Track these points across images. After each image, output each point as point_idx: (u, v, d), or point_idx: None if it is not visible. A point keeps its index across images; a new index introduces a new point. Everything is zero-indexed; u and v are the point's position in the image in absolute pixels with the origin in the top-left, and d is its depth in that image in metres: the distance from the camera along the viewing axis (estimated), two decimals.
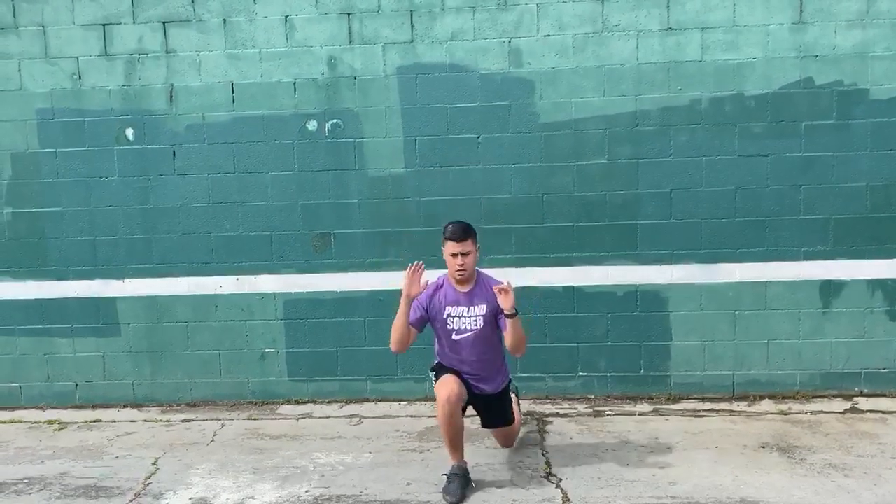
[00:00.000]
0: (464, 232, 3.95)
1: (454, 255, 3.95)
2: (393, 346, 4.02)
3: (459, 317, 4.03)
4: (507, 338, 3.95)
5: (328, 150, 5.16)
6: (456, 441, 3.92)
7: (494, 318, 4.02)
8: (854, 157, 4.95)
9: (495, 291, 3.90)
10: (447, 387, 3.89)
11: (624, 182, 5.05)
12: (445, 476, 3.91)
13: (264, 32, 5.09)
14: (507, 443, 4.42)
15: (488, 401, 4.18)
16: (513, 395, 4.44)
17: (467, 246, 3.95)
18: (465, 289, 4.05)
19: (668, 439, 4.51)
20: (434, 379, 4.09)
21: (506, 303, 3.86)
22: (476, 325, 4.02)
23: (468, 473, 3.95)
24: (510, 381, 4.33)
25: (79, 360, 5.41)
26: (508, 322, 3.89)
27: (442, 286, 4.08)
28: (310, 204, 5.20)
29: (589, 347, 5.19)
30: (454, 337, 4.04)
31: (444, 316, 4.04)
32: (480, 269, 4.14)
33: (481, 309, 4.01)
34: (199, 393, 5.40)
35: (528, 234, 5.11)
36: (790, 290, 5.07)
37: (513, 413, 4.33)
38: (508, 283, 3.90)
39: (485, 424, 4.31)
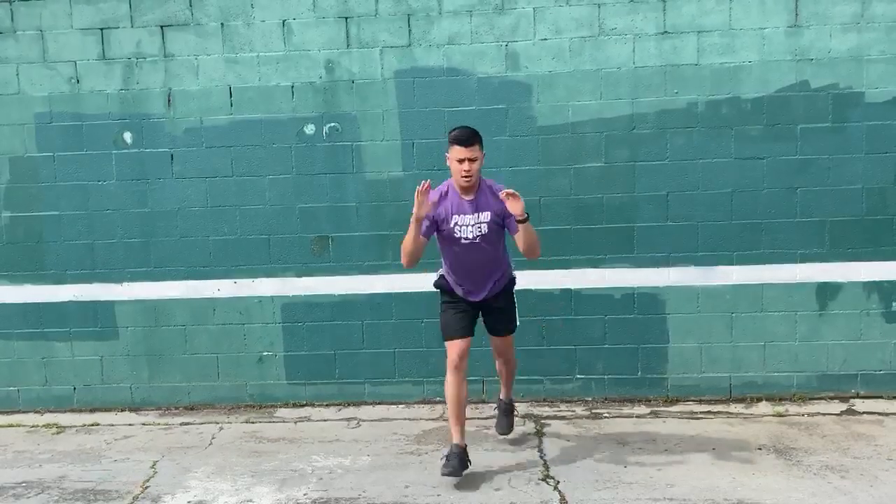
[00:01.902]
0: (471, 136, 3.91)
1: (461, 161, 3.90)
2: (405, 260, 4.04)
3: (466, 225, 4.01)
4: (520, 242, 3.96)
5: (326, 154, 5.17)
6: (459, 412, 4.09)
7: (498, 223, 4.03)
8: (850, 160, 4.97)
9: (503, 197, 3.87)
10: (455, 350, 4.09)
11: (621, 185, 5.07)
12: (444, 457, 4.03)
13: (262, 36, 5.11)
14: (505, 353, 4.38)
15: (493, 302, 4.19)
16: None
17: (474, 151, 3.91)
18: (470, 196, 4.02)
19: (665, 441, 4.52)
20: (440, 308, 4.21)
21: (515, 208, 3.85)
22: (482, 230, 4.01)
23: (466, 455, 4.06)
24: (514, 280, 4.31)
25: (77, 363, 5.41)
26: (520, 226, 3.90)
27: (447, 193, 4.05)
28: (308, 207, 5.21)
29: (586, 350, 5.21)
30: (462, 243, 4.03)
31: (452, 224, 4.02)
32: (482, 176, 4.10)
33: (486, 215, 4.00)
34: (197, 396, 5.41)
35: None
36: (787, 292, 5.09)
37: (515, 318, 4.30)
38: (513, 190, 3.88)
39: (490, 331, 4.30)
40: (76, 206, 5.27)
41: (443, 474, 3.97)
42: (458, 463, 3.99)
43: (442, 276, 4.25)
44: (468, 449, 4.12)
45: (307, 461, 4.42)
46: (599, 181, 5.07)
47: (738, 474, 4.04)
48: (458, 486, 3.98)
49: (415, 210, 3.88)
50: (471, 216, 4.01)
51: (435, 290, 4.30)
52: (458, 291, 4.17)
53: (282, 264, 5.26)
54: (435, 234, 4.09)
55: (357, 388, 5.34)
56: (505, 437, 4.59)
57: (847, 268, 5.04)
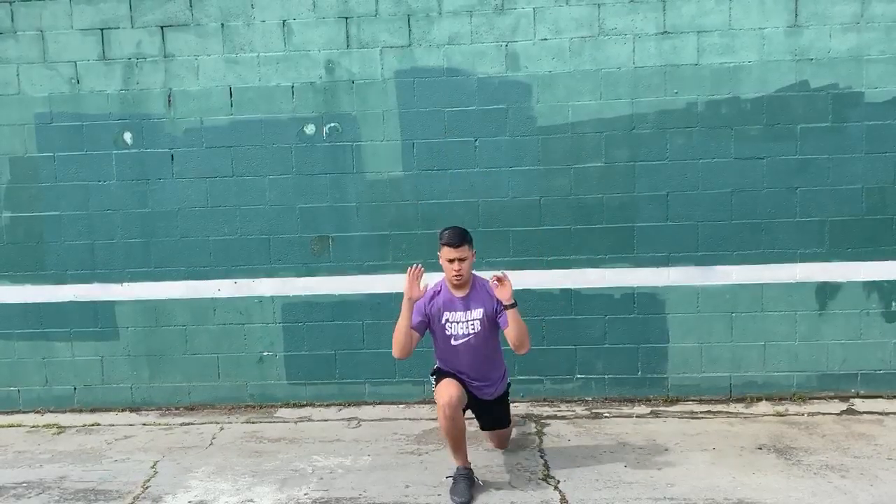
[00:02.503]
0: (460, 237, 3.97)
1: (451, 261, 3.98)
2: (396, 352, 3.97)
3: (457, 322, 4.05)
4: (510, 333, 3.92)
5: (326, 154, 5.18)
6: (458, 444, 3.92)
7: (491, 320, 4.04)
8: (849, 160, 4.98)
9: (492, 283, 3.93)
10: (447, 391, 3.89)
11: (621, 185, 5.08)
12: (451, 478, 3.93)
13: (262, 37, 5.11)
14: (501, 444, 4.45)
15: (488, 405, 4.20)
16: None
17: (464, 252, 3.97)
18: (462, 293, 4.06)
19: (665, 441, 4.52)
20: (434, 383, 4.10)
21: (504, 293, 3.89)
22: (474, 328, 4.03)
23: (473, 474, 3.97)
24: (509, 384, 4.34)
25: (77, 363, 5.41)
26: (508, 314, 3.90)
27: (440, 291, 4.10)
28: (308, 207, 5.21)
29: (586, 350, 5.21)
30: (453, 342, 4.06)
31: (443, 321, 4.05)
32: (475, 273, 4.16)
33: (478, 312, 4.04)
34: (197, 396, 5.41)
35: (525, 237, 5.13)
36: (786, 291, 5.10)
37: (510, 416, 4.37)
38: (504, 273, 3.95)
39: (483, 427, 4.34)
40: (76, 206, 5.28)
41: (453, 500, 3.81)
42: (466, 488, 3.85)
43: (438, 368, 4.22)
44: (468, 453, 4.06)
45: (308, 461, 4.43)
46: (599, 181, 5.08)
47: (738, 474, 4.04)
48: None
49: (406, 292, 3.90)
50: (462, 313, 4.04)
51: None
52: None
53: (282, 264, 5.27)
54: (430, 333, 4.11)
55: (357, 388, 5.35)
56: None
57: (847, 267, 5.05)
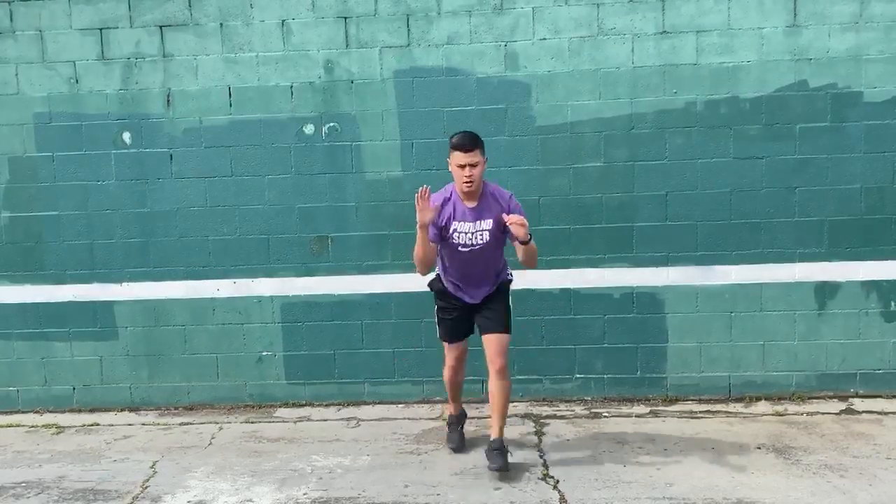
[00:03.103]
0: (472, 141, 3.88)
1: (461, 167, 3.88)
2: (421, 269, 4.04)
3: (465, 232, 3.99)
4: (520, 256, 3.97)
5: (325, 154, 5.18)
6: (455, 395, 4.47)
7: (500, 230, 4.00)
8: (848, 160, 4.98)
9: (508, 224, 3.84)
10: (452, 354, 4.31)
11: (620, 185, 5.08)
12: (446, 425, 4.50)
13: (261, 36, 5.11)
14: (498, 351, 4.10)
15: (486, 301, 4.16)
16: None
17: (475, 156, 3.88)
18: (473, 203, 3.99)
19: (664, 441, 4.52)
20: (436, 318, 4.30)
21: (519, 232, 3.83)
22: (483, 238, 3.99)
23: (465, 416, 4.55)
24: (508, 280, 4.25)
25: (76, 363, 5.41)
26: (521, 248, 3.91)
27: (449, 198, 4.02)
28: (307, 207, 5.21)
29: (585, 349, 5.21)
30: (460, 250, 4.02)
31: (451, 231, 4.00)
32: (486, 180, 4.08)
33: (487, 223, 3.99)
34: (196, 396, 5.41)
35: None
36: (785, 291, 5.10)
37: (509, 321, 4.19)
38: (515, 216, 3.84)
39: (484, 329, 4.18)
40: (75, 206, 5.27)
41: (448, 445, 4.44)
42: (457, 437, 4.45)
43: (438, 278, 4.25)
44: (468, 453, 4.24)
45: (307, 461, 4.43)
46: (598, 181, 5.08)
47: (737, 473, 4.04)
48: (457, 485, 3.99)
49: (418, 218, 3.85)
50: (471, 223, 4.00)
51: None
52: (451, 290, 4.18)
53: (281, 264, 5.27)
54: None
55: (357, 388, 5.35)
56: (501, 473, 4.07)
57: (846, 267, 5.05)
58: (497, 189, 4.09)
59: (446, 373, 4.40)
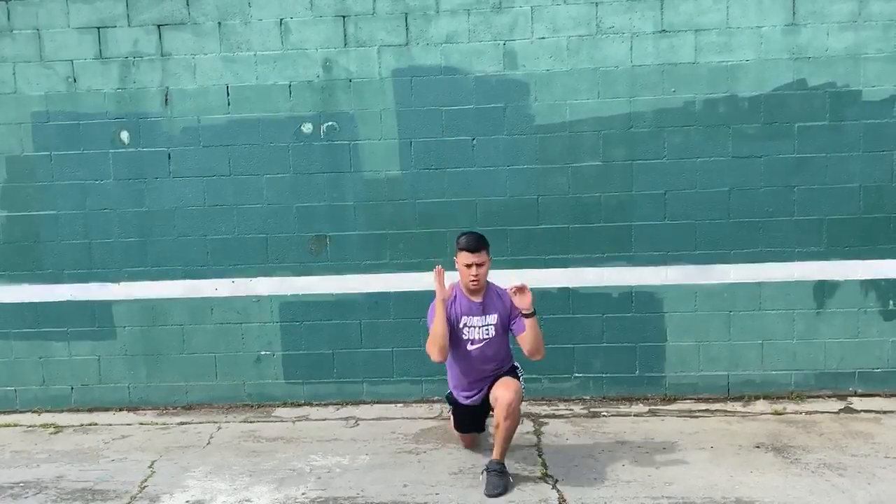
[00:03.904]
0: (478, 242, 4.01)
1: (468, 266, 4.00)
2: (436, 355, 4.02)
3: (474, 327, 4.08)
4: (526, 340, 3.99)
5: (323, 153, 5.17)
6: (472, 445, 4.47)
7: (504, 326, 4.10)
8: (847, 159, 4.98)
9: (511, 292, 3.96)
10: (464, 442, 4.45)
11: (618, 184, 5.07)
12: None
13: (259, 35, 5.10)
14: (511, 399, 3.94)
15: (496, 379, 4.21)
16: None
17: (481, 257, 4.01)
18: (478, 299, 4.10)
19: (663, 440, 4.52)
20: (450, 413, 4.44)
21: (523, 302, 3.94)
22: (489, 333, 4.08)
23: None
24: (517, 368, 4.28)
25: (74, 363, 5.40)
26: (527, 322, 3.96)
27: (456, 296, 4.13)
28: (305, 206, 5.21)
29: (584, 349, 5.21)
30: (469, 347, 4.10)
31: (461, 326, 4.09)
32: (489, 281, 4.17)
33: (493, 318, 4.09)
34: (195, 396, 5.40)
35: (523, 236, 5.13)
36: (784, 290, 5.10)
37: (517, 376, 4.16)
38: (524, 283, 3.97)
39: (495, 393, 4.08)
40: (73, 205, 5.26)
41: (455, 428, 4.43)
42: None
43: (451, 393, 4.34)
44: (467, 453, 4.25)
45: (305, 460, 4.42)
46: (597, 180, 5.08)
47: (736, 472, 4.04)
48: (456, 485, 3.99)
49: (438, 292, 3.98)
50: (479, 318, 4.08)
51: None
52: (468, 403, 4.23)
53: (279, 263, 5.26)
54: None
55: (355, 388, 5.34)
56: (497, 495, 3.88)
57: (844, 266, 5.05)
58: (498, 287, 4.18)
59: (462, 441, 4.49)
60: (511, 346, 4.24)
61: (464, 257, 4.01)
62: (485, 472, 3.95)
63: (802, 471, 4.04)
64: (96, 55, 5.16)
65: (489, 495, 3.83)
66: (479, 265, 3.99)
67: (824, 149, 4.98)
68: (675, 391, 5.21)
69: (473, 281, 4.01)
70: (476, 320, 4.08)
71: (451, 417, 4.49)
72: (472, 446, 4.45)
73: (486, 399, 4.18)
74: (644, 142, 5.04)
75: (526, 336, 3.99)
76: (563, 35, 5.00)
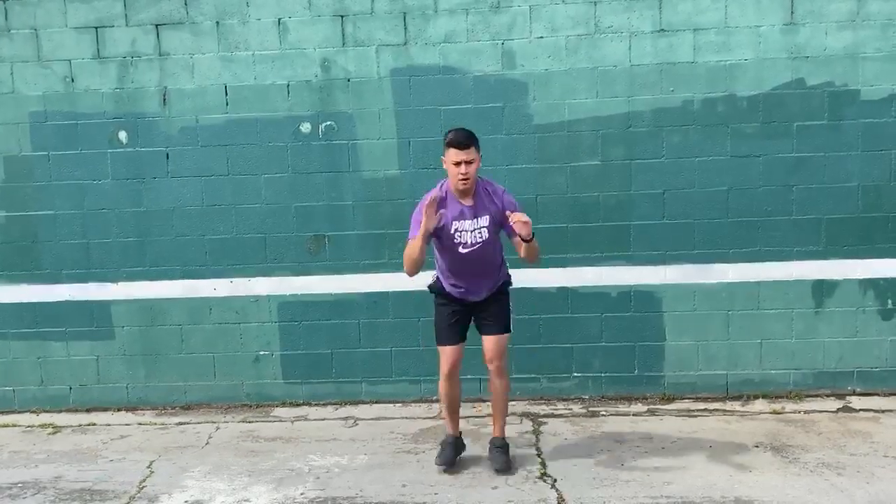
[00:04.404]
0: (468, 137, 3.84)
1: (457, 164, 3.83)
2: (410, 270, 3.95)
3: (466, 230, 3.95)
4: (522, 252, 3.91)
5: (322, 153, 5.17)
6: (453, 410, 4.22)
7: (497, 225, 3.99)
8: (845, 158, 4.98)
9: (512, 223, 3.78)
10: (449, 360, 4.12)
11: (617, 183, 5.07)
12: (440, 444, 4.22)
13: (257, 35, 5.09)
14: (497, 352, 4.12)
15: (486, 303, 4.12)
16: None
17: (471, 153, 3.83)
18: (469, 201, 3.95)
19: (662, 439, 4.52)
20: (434, 296, 4.18)
21: (524, 231, 3.78)
22: (482, 236, 3.95)
23: (460, 439, 4.26)
24: (509, 280, 4.23)
25: (73, 363, 5.39)
26: (524, 244, 3.85)
27: (445, 197, 3.96)
28: (304, 206, 5.20)
29: (583, 348, 5.21)
30: (461, 251, 3.97)
31: (452, 231, 3.95)
32: (480, 177, 4.03)
33: (485, 220, 3.95)
34: (193, 396, 5.40)
35: None
36: (783, 289, 5.10)
37: (509, 320, 4.19)
38: (520, 213, 3.80)
39: (483, 330, 4.17)
40: (71, 205, 5.25)
41: (436, 463, 4.15)
42: (450, 452, 4.17)
43: (437, 279, 4.19)
44: (465, 452, 4.21)
45: (304, 460, 4.42)
46: (596, 179, 5.08)
47: (735, 472, 4.04)
48: (454, 485, 3.99)
49: (424, 223, 3.80)
50: (470, 221, 3.95)
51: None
52: (454, 293, 4.12)
53: (278, 263, 5.25)
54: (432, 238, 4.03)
55: (354, 387, 5.34)
56: (504, 474, 4.11)
57: (843, 265, 5.06)
58: (489, 184, 4.06)
59: (442, 385, 4.17)
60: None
61: (452, 154, 3.83)
62: (490, 448, 4.18)
63: (801, 470, 4.05)
64: (94, 55, 5.15)
65: (496, 471, 4.10)
66: (468, 163, 3.82)
67: (823, 148, 4.98)
68: (673, 391, 5.21)
69: (463, 180, 3.84)
70: (467, 224, 3.94)
71: (435, 322, 4.18)
72: (455, 378, 4.13)
73: (472, 306, 4.10)
74: (643, 141, 5.03)
75: (522, 250, 3.91)
76: (562, 34, 5.00)
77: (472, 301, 4.12)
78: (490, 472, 4.12)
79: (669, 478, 3.99)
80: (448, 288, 4.13)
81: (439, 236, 3.99)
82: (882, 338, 5.11)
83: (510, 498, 3.84)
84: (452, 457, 4.17)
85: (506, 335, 4.16)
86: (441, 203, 3.95)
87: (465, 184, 3.88)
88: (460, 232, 3.95)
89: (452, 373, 4.13)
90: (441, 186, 4.01)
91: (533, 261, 4.03)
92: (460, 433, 4.28)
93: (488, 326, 4.15)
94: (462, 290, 4.10)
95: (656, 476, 4.02)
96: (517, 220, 3.77)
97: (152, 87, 5.16)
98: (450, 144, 3.85)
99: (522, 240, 3.85)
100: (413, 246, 3.89)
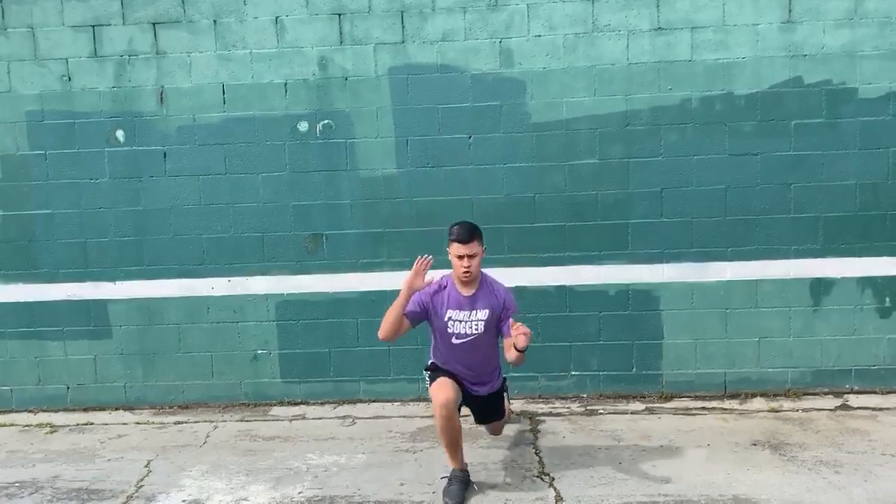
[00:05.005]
0: (470, 233, 3.89)
1: (460, 257, 3.88)
2: (383, 333, 3.91)
3: (461, 321, 3.97)
4: (510, 357, 3.85)
5: (319, 151, 5.16)
6: (454, 444, 3.88)
7: (495, 323, 3.98)
8: (843, 156, 4.98)
9: (514, 334, 3.69)
10: (443, 391, 3.84)
11: (615, 181, 5.07)
12: (446, 478, 3.90)
13: (255, 33, 5.08)
14: (495, 432, 4.46)
15: (483, 401, 4.17)
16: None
17: (473, 248, 3.88)
18: (469, 292, 3.98)
19: (660, 438, 4.52)
20: (428, 381, 4.06)
21: (521, 342, 3.70)
22: (477, 329, 3.97)
23: (469, 476, 3.94)
24: (504, 380, 4.30)
25: (70, 362, 5.38)
26: (516, 353, 3.78)
27: (446, 287, 4.01)
28: (301, 205, 5.20)
29: (581, 347, 5.21)
30: (454, 341, 3.99)
31: (446, 319, 3.97)
32: (484, 271, 4.08)
33: (483, 314, 3.96)
34: (191, 395, 5.39)
35: (520, 234, 5.12)
36: (781, 288, 5.10)
37: (504, 408, 4.30)
38: (524, 327, 3.72)
39: (478, 420, 4.30)
40: (69, 204, 5.25)
41: (444, 500, 3.80)
42: (458, 489, 3.83)
43: (433, 363, 4.15)
44: (463, 450, 4.06)
45: (302, 459, 4.41)
46: (594, 178, 5.07)
47: (733, 470, 4.04)
48: None
49: (408, 279, 3.83)
50: (467, 312, 3.96)
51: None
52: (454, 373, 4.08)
53: (276, 262, 5.25)
54: (427, 322, 4.02)
55: (352, 386, 5.34)
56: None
57: (841, 263, 5.06)
58: (494, 282, 4.08)
59: (439, 416, 3.78)
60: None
61: (455, 248, 3.89)
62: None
63: (799, 468, 4.05)
64: (91, 53, 5.14)
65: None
66: (470, 256, 3.87)
67: (820, 146, 4.98)
68: (671, 389, 5.21)
69: (465, 273, 3.88)
70: (462, 314, 3.95)
71: (429, 381, 4.06)
72: (453, 410, 3.84)
73: (466, 393, 4.07)
74: (640, 139, 5.03)
75: (510, 357, 3.83)
76: (560, 33, 4.99)
77: (469, 393, 4.09)
78: (488, 472, 4.12)
79: (667, 476, 3.99)
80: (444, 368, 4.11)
81: (433, 322, 4.01)
82: (880, 336, 5.11)
83: (508, 496, 3.84)
84: (461, 494, 3.82)
85: (503, 425, 4.43)
86: (441, 289, 3.99)
87: (467, 276, 3.91)
88: (454, 322, 3.97)
89: (450, 406, 3.80)
90: (443, 278, 4.04)
91: (516, 366, 3.99)
92: (467, 465, 3.98)
93: (486, 417, 4.30)
94: (457, 377, 4.05)
95: (654, 474, 4.02)
96: (520, 332, 3.70)
97: (149, 86, 5.15)
98: (453, 239, 3.90)
99: (517, 349, 3.76)
100: (394, 304, 3.88)
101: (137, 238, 5.25)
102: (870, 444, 4.34)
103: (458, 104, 5.07)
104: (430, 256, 3.89)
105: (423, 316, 3.99)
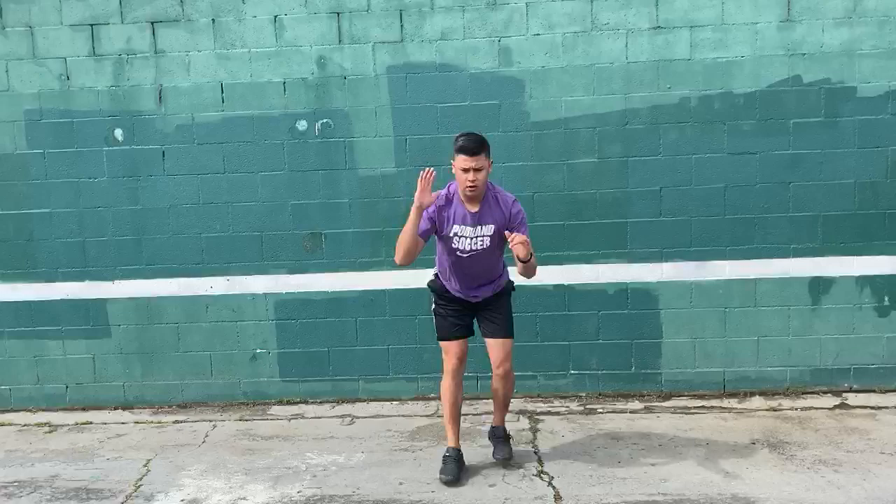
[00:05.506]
0: (477, 144, 3.72)
1: (465, 170, 3.72)
2: (400, 258, 3.82)
3: (466, 237, 3.85)
4: (518, 270, 3.79)
5: (318, 150, 5.16)
6: (454, 414, 4.07)
7: (501, 236, 3.87)
8: (842, 155, 4.98)
9: (511, 245, 3.67)
10: (451, 356, 4.01)
11: (614, 180, 5.07)
12: (443, 458, 4.07)
13: (253, 32, 5.08)
14: (503, 356, 4.06)
15: (487, 303, 4.04)
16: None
17: (480, 160, 3.71)
18: (474, 207, 3.85)
19: (659, 436, 4.52)
20: (432, 303, 4.09)
21: (521, 252, 3.67)
22: (482, 244, 3.86)
23: (462, 457, 4.09)
24: (511, 284, 4.16)
25: (69, 361, 5.38)
26: (521, 264, 3.74)
27: (451, 200, 3.87)
28: (300, 204, 5.19)
29: (580, 345, 5.21)
30: (458, 254, 3.89)
31: (451, 234, 3.86)
32: (491, 183, 3.97)
33: (489, 229, 3.85)
34: (190, 394, 5.39)
35: None
36: (780, 286, 5.10)
37: (511, 324, 4.13)
38: (519, 235, 3.69)
39: (485, 333, 4.12)
40: (67, 203, 5.24)
41: (442, 481, 3.96)
42: (455, 466, 4.02)
43: (437, 277, 4.12)
44: (463, 450, 4.14)
45: (301, 458, 4.41)
46: (592, 176, 5.07)
47: (731, 469, 4.04)
48: (452, 483, 3.98)
49: (416, 198, 3.70)
50: (471, 228, 3.86)
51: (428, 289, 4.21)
52: (453, 293, 4.05)
53: (274, 261, 5.25)
54: (434, 235, 3.96)
55: (351, 385, 5.34)
56: (506, 461, 4.18)
57: (840, 262, 5.06)
58: (500, 192, 3.95)
59: (446, 383, 4.02)
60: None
61: (461, 160, 3.71)
62: (492, 439, 4.20)
63: (798, 467, 4.05)
64: (89, 52, 5.14)
65: (498, 459, 4.15)
66: (476, 170, 3.70)
67: (819, 145, 4.98)
68: (670, 388, 5.21)
69: (471, 187, 3.73)
70: (468, 230, 3.83)
71: (435, 320, 4.09)
72: (459, 379, 4.02)
73: (473, 307, 4.02)
74: (639, 138, 5.03)
75: (518, 268, 3.78)
76: (558, 31, 4.99)
77: (472, 301, 4.05)
78: (487, 470, 4.12)
79: (666, 475, 4.00)
80: (446, 285, 4.09)
81: (440, 234, 3.94)
82: (879, 335, 5.11)
83: (507, 495, 3.84)
84: (457, 471, 3.99)
85: (511, 339, 4.11)
86: (447, 202, 3.88)
87: (472, 191, 3.78)
88: (459, 237, 3.88)
89: (458, 369, 4.00)
90: (449, 187, 3.94)
91: (529, 277, 3.92)
92: (460, 447, 4.11)
93: (492, 328, 4.08)
94: (459, 290, 4.05)
95: (653, 473, 4.02)
96: (515, 242, 3.66)
97: (148, 85, 5.15)
98: (459, 150, 3.75)
99: (520, 260, 3.73)
100: (406, 227, 3.78)
101: (136, 237, 5.25)
102: (868, 442, 4.34)
103: (457, 103, 5.07)
104: (433, 169, 3.76)
105: (433, 231, 3.90)
